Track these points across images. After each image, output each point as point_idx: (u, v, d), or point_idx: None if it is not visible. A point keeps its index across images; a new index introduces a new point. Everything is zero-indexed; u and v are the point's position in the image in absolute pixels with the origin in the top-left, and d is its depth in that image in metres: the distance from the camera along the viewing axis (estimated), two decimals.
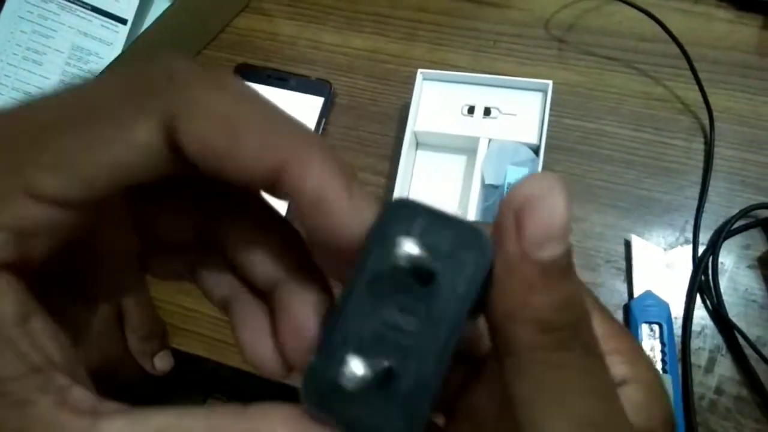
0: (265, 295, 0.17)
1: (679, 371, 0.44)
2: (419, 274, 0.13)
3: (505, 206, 0.13)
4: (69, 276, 0.16)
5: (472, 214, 0.48)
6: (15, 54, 0.53)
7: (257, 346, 0.17)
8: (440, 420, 0.18)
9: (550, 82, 0.51)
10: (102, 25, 0.54)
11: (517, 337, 0.13)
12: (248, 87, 0.15)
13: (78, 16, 0.54)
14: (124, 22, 0.55)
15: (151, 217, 0.17)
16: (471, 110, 0.52)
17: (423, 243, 0.13)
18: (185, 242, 0.18)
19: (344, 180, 0.14)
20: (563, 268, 0.13)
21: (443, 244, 0.13)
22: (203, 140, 0.13)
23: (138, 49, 0.52)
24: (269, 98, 0.14)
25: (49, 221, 0.13)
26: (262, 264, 0.16)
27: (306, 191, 0.13)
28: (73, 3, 0.54)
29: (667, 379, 0.43)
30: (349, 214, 0.14)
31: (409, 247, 0.13)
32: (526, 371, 0.13)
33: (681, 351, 0.44)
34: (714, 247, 0.47)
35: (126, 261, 0.17)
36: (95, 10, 0.54)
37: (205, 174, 0.14)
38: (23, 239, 0.13)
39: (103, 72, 0.47)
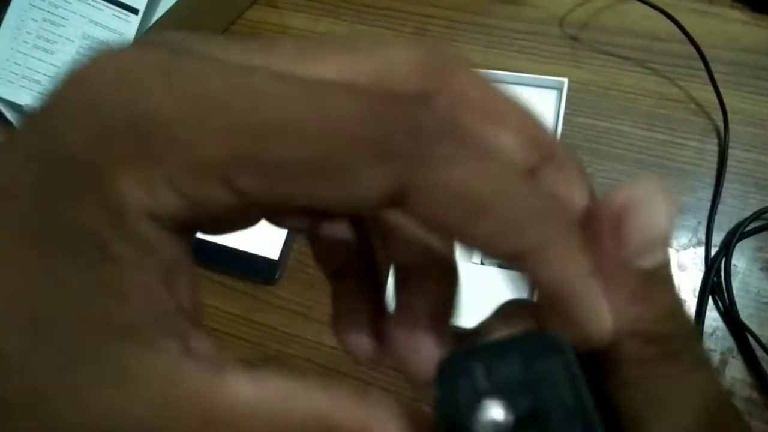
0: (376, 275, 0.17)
1: None
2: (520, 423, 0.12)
3: (603, 211, 0.12)
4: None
5: None
6: (26, 42, 0.53)
7: (356, 327, 0.17)
8: None
9: (565, 80, 0.50)
10: (113, 15, 0.54)
11: (622, 349, 0.13)
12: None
13: (89, 5, 0.54)
14: (135, 11, 0.54)
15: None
16: None
17: (498, 392, 0.12)
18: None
19: (585, 280, 0.13)
20: (666, 277, 0.12)
21: (515, 374, 0.12)
22: (435, 217, 0.12)
23: None
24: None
25: (227, 208, 0.12)
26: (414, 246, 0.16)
27: (544, 283, 0.12)
28: None
29: None
30: (591, 321, 0.13)
31: (490, 413, 0.12)
32: (633, 384, 0.13)
33: None
34: (727, 249, 0.47)
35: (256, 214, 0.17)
36: None
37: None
38: (197, 212, 0.12)
39: None
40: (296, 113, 0.12)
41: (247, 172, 0.12)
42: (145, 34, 0.53)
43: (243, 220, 0.16)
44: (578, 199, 0.14)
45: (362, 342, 0.17)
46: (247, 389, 0.12)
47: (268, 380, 0.12)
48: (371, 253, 0.17)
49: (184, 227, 0.13)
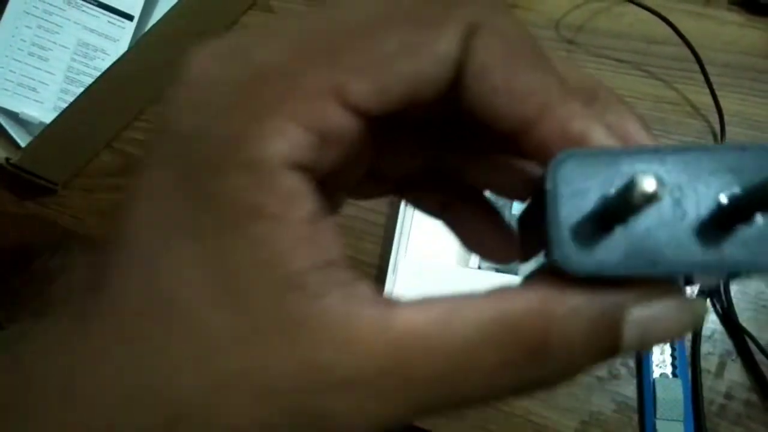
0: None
1: (689, 376, 0.44)
2: None
3: None
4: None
5: None
6: (20, 49, 0.53)
7: (484, 239, 0.18)
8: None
9: None
10: (108, 21, 0.54)
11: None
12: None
13: (84, 11, 0.53)
14: (130, 18, 0.54)
15: (389, 148, 0.17)
16: None
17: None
18: (410, 171, 0.18)
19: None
20: None
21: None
22: (488, 59, 0.13)
23: (144, 45, 0.51)
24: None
25: (347, 129, 0.13)
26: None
27: (571, 134, 0.13)
28: None
29: (678, 384, 0.42)
30: None
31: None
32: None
33: (691, 355, 0.44)
34: None
35: (352, 183, 0.17)
36: (102, 6, 0.54)
37: (466, 102, 0.13)
38: (322, 143, 0.13)
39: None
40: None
41: (352, 76, 0.12)
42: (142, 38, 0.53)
43: (356, 171, 0.16)
44: (635, 133, 0.15)
45: (496, 251, 0.18)
46: (418, 315, 0.12)
47: (433, 304, 0.13)
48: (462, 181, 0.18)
49: (321, 173, 0.13)
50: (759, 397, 0.43)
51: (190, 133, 0.13)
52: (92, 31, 0.54)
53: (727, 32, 0.55)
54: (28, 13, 0.53)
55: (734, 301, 0.45)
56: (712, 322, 0.45)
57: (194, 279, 0.12)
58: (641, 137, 0.15)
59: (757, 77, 0.53)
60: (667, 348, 0.44)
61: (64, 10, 0.53)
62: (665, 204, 0.13)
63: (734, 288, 0.46)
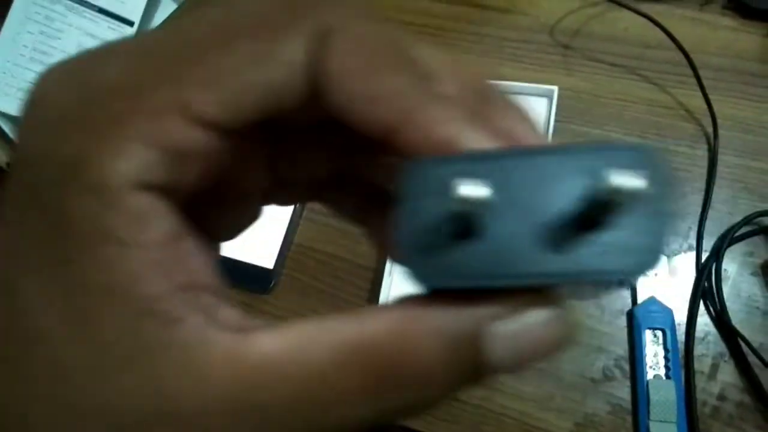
0: None
1: (682, 377, 0.44)
2: None
3: None
4: (204, 212, 0.15)
5: None
6: (22, 55, 0.54)
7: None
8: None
9: (555, 88, 0.51)
10: (109, 27, 0.54)
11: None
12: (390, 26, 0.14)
13: (85, 17, 0.54)
14: (130, 23, 0.55)
15: (285, 155, 0.17)
16: None
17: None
18: (317, 176, 0.17)
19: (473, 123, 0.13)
20: None
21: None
22: (341, 65, 0.12)
23: None
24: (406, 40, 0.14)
25: (199, 144, 0.12)
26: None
27: (437, 139, 0.12)
28: (80, 4, 0.54)
29: (671, 385, 0.43)
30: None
31: None
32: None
33: (684, 357, 0.45)
34: (717, 254, 0.47)
35: (253, 195, 0.17)
36: (102, 11, 0.54)
37: (329, 109, 0.13)
38: (173, 161, 0.12)
39: None
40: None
41: (195, 91, 0.12)
42: None
43: (256, 184, 0.16)
44: (525, 134, 0.14)
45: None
46: (273, 342, 0.12)
47: (291, 329, 0.12)
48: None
49: (175, 191, 0.13)
50: (752, 398, 0.43)
51: (36, 156, 0.12)
52: (93, 36, 0.54)
53: (721, 37, 0.55)
54: (30, 18, 0.54)
55: (727, 303, 0.45)
56: (705, 324, 0.46)
57: (50, 309, 0.12)
58: (530, 137, 0.14)
59: (750, 81, 0.53)
60: (661, 350, 0.45)
61: (65, 16, 0.54)
62: (514, 211, 0.12)
63: (727, 290, 0.46)
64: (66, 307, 0.12)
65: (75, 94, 0.12)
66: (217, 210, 0.16)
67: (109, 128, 0.12)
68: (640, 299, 0.46)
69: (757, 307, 0.46)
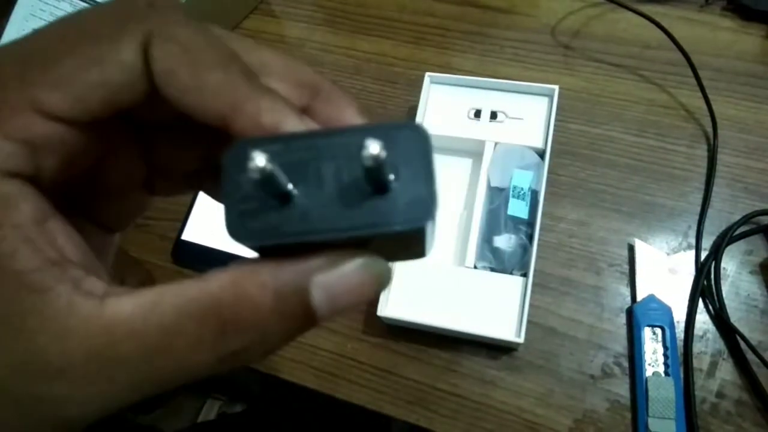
0: None
1: (681, 375, 0.44)
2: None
3: None
4: (84, 201, 0.18)
5: (477, 217, 0.48)
6: None
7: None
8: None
9: (556, 87, 0.51)
10: None
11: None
12: (223, 35, 0.16)
13: None
14: None
15: (158, 147, 0.19)
16: (478, 114, 0.52)
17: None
18: (193, 166, 0.19)
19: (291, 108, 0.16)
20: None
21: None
22: (169, 64, 0.15)
23: None
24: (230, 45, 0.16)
25: (55, 136, 0.14)
26: None
27: (264, 125, 0.15)
28: (85, 2, 0.54)
29: (670, 382, 0.43)
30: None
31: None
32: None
33: (683, 354, 0.45)
34: (716, 253, 0.47)
35: (133, 186, 0.19)
36: None
37: (169, 104, 0.15)
38: (34, 152, 0.14)
39: None
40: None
41: (45, 90, 0.14)
42: None
43: (132, 175, 0.18)
44: (350, 119, 0.17)
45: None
46: (126, 305, 0.14)
47: (144, 293, 0.14)
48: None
49: (39, 178, 0.14)
50: (750, 396, 0.43)
51: None
52: None
53: (721, 38, 0.56)
54: (34, 15, 0.54)
55: (726, 302, 0.46)
56: (704, 322, 0.46)
57: None
58: (358, 122, 0.17)
59: (749, 82, 0.53)
60: (660, 347, 0.45)
61: None
62: (318, 180, 0.14)
63: (726, 289, 0.46)
64: None
65: None
66: (104, 201, 0.19)
67: None
68: (639, 297, 0.46)
69: (756, 306, 0.46)
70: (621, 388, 0.45)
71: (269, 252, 0.15)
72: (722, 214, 0.49)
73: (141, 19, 0.15)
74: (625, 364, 0.45)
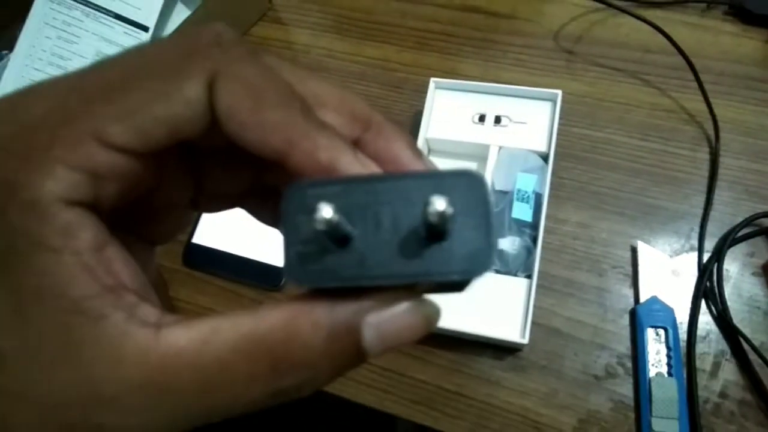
0: None
1: (684, 375, 0.45)
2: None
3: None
4: (134, 221, 0.18)
5: None
6: (40, 59, 0.55)
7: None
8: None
9: (559, 92, 0.52)
10: (124, 32, 0.56)
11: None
12: (275, 64, 0.16)
13: (101, 23, 0.56)
14: (145, 29, 0.56)
15: (207, 169, 0.19)
16: (482, 118, 0.53)
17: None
18: (239, 187, 0.20)
19: (348, 148, 0.16)
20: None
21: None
22: (232, 101, 0.15)
23: None
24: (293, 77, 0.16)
25: (116, 167, 0.15)
26: None
27: (320, 162, 0.15)
28: (96, 10, 0.56)
29: (673, 383, 0.44)
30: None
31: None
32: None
33: (686, 355, 0.45)
34: (719, 255, 0.48)
35: (181, 205, 0.20)
36: (118, 17, 0.56)
37: (229, 137, 0.15)
38: (95, 181, 0.14)
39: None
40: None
41: (109, 123, 0.14)
42: None
43: (180, 194, 0.19)
44: (400, 152, 0.17)
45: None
46: (181, 336, 0.14)
47: (199, 324, 0.14)
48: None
49: (98, 206, 0.15)
50: (753, 396, 0.44)
51: None
52: (109, 41, 0.56)
53: (722, 42, 0.56)
54: (47, 24, 0.55)
55: (728, 303, 0.46)
56: (707, 323, 0.46)
57: None
58: (407, 157, 0.17)
59: (750, 85, 0.54)
60: (663, 348, 0.45)
61: (82, 21, 0.55)
62: (375, 225, 0.15)
63: (728, 290, 0.47)
64: (5, 305, 0.14)
65: (7, 128, 0.14)
66: (152, 218, 0.19)
67: (39, 155, 0.14)
68: (642, 299, 0.47)
69: (758, 307, 0.46)
70: (624, 389, 0.45)
71: (322, 290, 0.15)
72: (724, 217, 0.49)
73: (207, 57, 0.15)
74: (629, 364, 0.46)
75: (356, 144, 0.17)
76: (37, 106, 0.15)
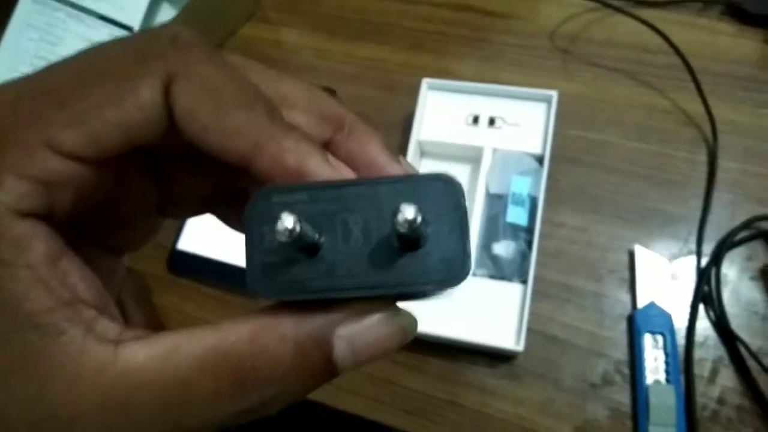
0: None
1: (682, 381, 0.44)
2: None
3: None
4: (96, 230, 0.17)
5: (475, 224, 0.48)
6: (23, 61, 0.54)
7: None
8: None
9: (554, 93, 0.51)
10: (109, 33, 0.55)
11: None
12: (240, 64, 0.16)
13: (85, 24, 0.54)
14: (130, 30, 0.55)
15: (171, 175, 0.18)
16: (476, 120, 0.52)
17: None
18: (206, 191, 0.19)
19: (318, 151, 0.15)
20: None
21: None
22: (191, 104, 0.14)
23: None
24: (254, 79, 0.16)
25: (70, 175, 0.14)
26: None
27: (287, 166, 0.15)
28: (80, 11, 0.54)
29: (671, 390, 0.43)
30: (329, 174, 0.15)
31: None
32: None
33: (684, 361, 0.45)
34: (717, 259, 0.47)
35: (146, 212, 0.19)
36: (102, 18, 0.55)
37: (190, 142, 0.15)
38: (49, 190, 0.14)
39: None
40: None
41: (60, 129, 0.14)
42: None
43: (145, 201, 0.18)
44: (373, 153, 0.16)
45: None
46: (140, 353, 0.14)
47: (159, 340, 0.14)
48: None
49: (52, 216, 0.14)
50: (751, 402, 0.43)
51: None
52: (93, 42, 0.55)
53: (719, 42, 0.56)
54: (31, 25, 0.54)
55: (727, 308, 0.45)
56: (704, 328, 0.46)
57: None
58: (382, 158, 0.16)
59: (748, 87, 0.53)
60: (661, 354, 0.45)
61: (66, 23, 0.54)
62: (345, 233, 0.14)
63: (726, 295, 0.46)
64: None
65: None
66: (116, 226, 0.18)
67: None
68: (640, 303, 0.46)
69: (756, 312, 0.46)
70: (622, 396, 0.44)
71: (290, 303, 0.14)
72: (723, 220, 0.49)
73: (163, 57, 0.14)
74: (626, 371, 0.45)
75: (328, 146, 0.16)
76: None
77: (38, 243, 0.14)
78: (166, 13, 0.58)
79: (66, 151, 0.14)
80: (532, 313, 0.45)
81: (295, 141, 0.15)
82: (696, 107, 0.52)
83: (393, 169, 0.16)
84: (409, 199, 0.13)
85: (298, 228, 0.13)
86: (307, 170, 0.15)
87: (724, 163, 0.50)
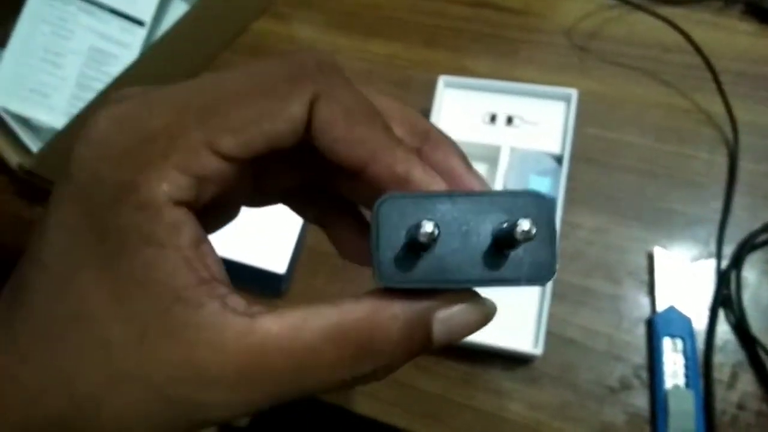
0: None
1: (702, 386, 0.43)
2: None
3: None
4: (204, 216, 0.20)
5: None
6: (34, 55, 0.53)
7: (352, 247, 0.22)
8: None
9: (574, 91, 0.50)
10: (120, 27, 0.54)
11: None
12: (362, 89, 0.19)
13: (96, 17, 0.54)
14: (141, 24, 0.54)
15: (271, 169, 0.21)
16: (493, 118, 0.51)
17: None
18: (289, 185, 0.22)
19: (418, 163, 0.18)
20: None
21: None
22: (329, 119, 0.17)
23: (156, 51, 0.51)
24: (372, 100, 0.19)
25: (219, 172, 0.16)
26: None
27: (397, 173, 0.17)
28: (92, 5, 0.53)
29: (690, 395, 0.42)
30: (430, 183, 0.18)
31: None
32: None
33: (703, 366, 0.44)
34: (737, 261, 0.46)
35: (241, 201, 0.22)
36: (114, 12, 0.54)
37: (318, 148, 0.17)
38: (200, 184, 0.16)
39: (125, 74, 0.47)
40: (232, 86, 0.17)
41: (221, 135, 0.16)
42: (109, 91, 0.53)
43: (243, 192, 0.21)
44: (454, 164, 0.19)
45: (361, 258, 0.23)
46: (275, 324, 0.16)
47: (290, 314, 0.16)
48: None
49: (197, 206, 0.17)
50: None
51: (91, 181, 0.16)
52: (104, 37, 0.54)
53: (740, 41, 0.55)
54: (42, 19, 0.53)
55: (747, 311, 0.45)
56: (724, 332, 0.45)
57: (98, 297, 0.15)
58: (461, 170, 0.19)
59: None
60: (680, 358, 0.44)
61: (77, 17, 0.53)
62: (455, 235, 0.17)
63: (747, 298, 0.45)
64: (112, 293, 0.15)
65: (126, 136, 0.16)
66: (216, 213, 0.21)
67: (156, 161, 0.16)
68: (659, 306, 0.45)
69: None
70: (640, 401, 0.44)
71: (398, 289, 0.17)
72: (743, 222, 0.48)
73: (311, 80, 0.17)
74: (645, 375, 0.45)
75: (417, 155, 0.19)
76: (157, 119, 0.16)
77: (187, 228, 0.16)
78: (177, 8, 0.58)
79: (222, 153, 0.16)
80: (549, 316, 0.45)
81: (404, 152, 0.18)
82: (716, 107, 0.51)
83: (469, 178, 0.19)
84: (511, 211, 0.17)
85: (437, 232, 0.16)
86: (413, 178, 0.18)
87: (744, 165, 0.50)
